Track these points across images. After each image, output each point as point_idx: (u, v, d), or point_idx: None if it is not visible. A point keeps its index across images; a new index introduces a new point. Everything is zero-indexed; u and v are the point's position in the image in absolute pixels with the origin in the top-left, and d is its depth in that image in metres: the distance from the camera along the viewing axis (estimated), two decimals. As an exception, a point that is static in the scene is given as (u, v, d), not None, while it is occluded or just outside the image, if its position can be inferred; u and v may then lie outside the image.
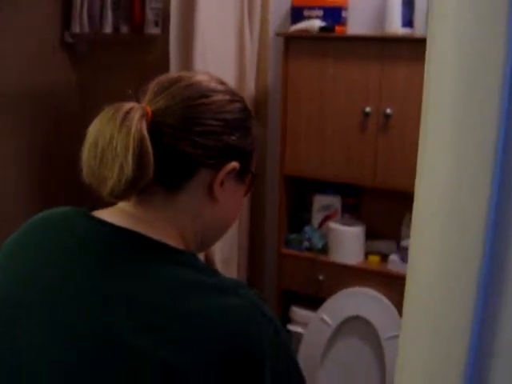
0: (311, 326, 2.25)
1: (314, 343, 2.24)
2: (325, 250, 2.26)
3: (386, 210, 2.30)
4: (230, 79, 2.21)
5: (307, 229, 2.31)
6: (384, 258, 2.19)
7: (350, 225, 2.23)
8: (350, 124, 2.07)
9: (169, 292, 0.79)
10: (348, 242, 2.22)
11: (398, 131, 1.99)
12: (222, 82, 0.95)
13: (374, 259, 2.20)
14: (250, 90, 2.35)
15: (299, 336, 2.30)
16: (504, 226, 0.44)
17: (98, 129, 0.82)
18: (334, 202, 2.31)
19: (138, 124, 0.81)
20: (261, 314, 0.83)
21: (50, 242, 0.89)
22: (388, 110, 1.97)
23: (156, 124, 0.84)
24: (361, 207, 2.36)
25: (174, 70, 2.03)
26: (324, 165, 2.15)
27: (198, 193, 0.90)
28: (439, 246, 0.48)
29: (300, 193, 2.42)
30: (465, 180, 0.46)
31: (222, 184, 0.91)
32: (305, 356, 2.20)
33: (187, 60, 2.04)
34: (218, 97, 0.91)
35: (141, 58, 2.62)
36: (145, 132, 0.81)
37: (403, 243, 2.13)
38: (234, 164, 0.91)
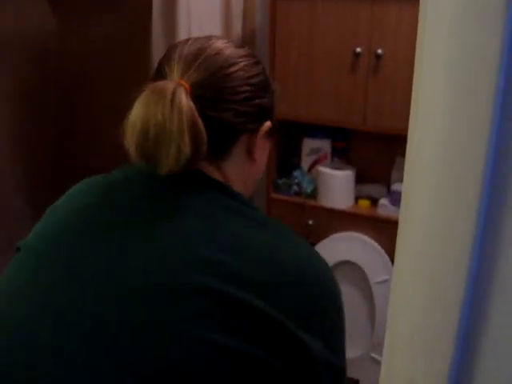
0: (301, 271, 2.27)
1: (304, 288, 2.26)
2: (314, 194, 2.27)
3: (376, 153, 2.30)
4: (216, 21, 2.16)
5: (296, 173, 2.31)
6: (374, 202, 2.20)
7: (339, 169, 2.23)
8: (340, 65, 2.04)
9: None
10: (338, 186, 2.22)
11: (389, 72, 1.96)
12: (241, 45, 0.99)
13: (364, 203, 2.21)
14: (236, 31, 2.31)
15: (289, 281, 2.33)
16: (503, 171, 0.43)
17: (146, 113, 0.84)
18: (324, 145, 2.30)
19: (187, 104, 0.84)
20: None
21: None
22: (379, 51, 1.94)
23: (197, 99, 0.87)
24: (351, 151, 2.35)
25: (156, 14, 1.99)
26: (313, 107, 2.13)
27: (240, 156, 0.97)
28: (434, 192, 0.47)
29: (289, 137, 2.41)
30: (462, 125, 0.45)
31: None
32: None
33: (170, 2, 1.99)
34: (245, 62, 0.95)
35: (122, 1, 2.55)
36: (195, 111, 0.85)
37: (393, 187, 2.14)
38: (268, 124, 0.99)
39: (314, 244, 2.23)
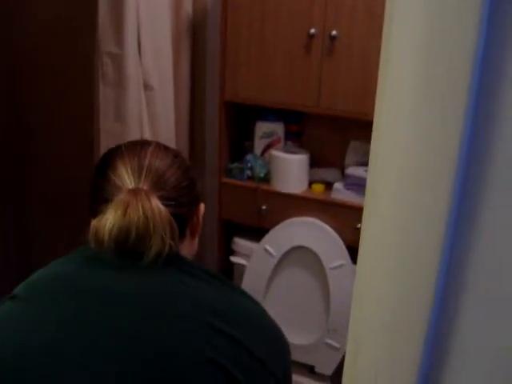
0: (254, 258, 2.28)
1: (258, 274, 2.28)
2: (267, 178, 2.27)
3: (330, 137, 2.31)
4: (165, 1, 2.14)
5: (249, 157, 2.31)
6: (328, 186, 2.21)
7: (293, 152, 2.23)
8: (293, 47, 2.04)
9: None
10: (291, 170, 2.23)
11: (343, 54, 1.96)
12: (167, 148, 1.19)
13: (318, 188, 2.22)
14: (187, 12, 2.29)
15: (242, 268, 2.34)
16: (478, 151, 0.44)
17: (123, 220, 1.03)
18: (277, 128, 2.31)
19: (159, 205, 1.05)
20: None
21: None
22: (334, 32, 1.94)
23: (160, 199, 1.07)
24: (304, 134, 2.36)
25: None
26: (266, 90, 2.13)
27: (188, 237, 1.18)
28: (405, 175, 0.48)
29: (241, 120, 2.41)
30: (433, 110, 0.46)
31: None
32: (248, 288, 2.23)
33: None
34: (177, 162, 1.15)
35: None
36: (166, 210, 1.06)
37: (348, 171, 2.16)
38: (202, 205, 1.23)
39: (267, 230, 2.25)
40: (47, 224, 2.76)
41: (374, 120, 0.52)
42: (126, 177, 1.08)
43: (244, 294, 1.17)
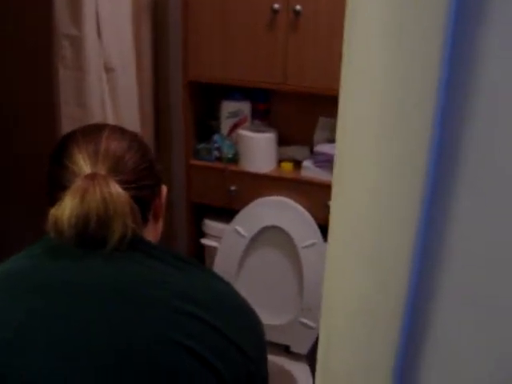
0: (225, 239, 2.27)
1: (229, 256, 2.27)
2: (235, 159, 2.25)
3: (298, 114, 2.29)
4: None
5: (216, 137, 2.28)
6: (297, 164, 2.20)
7: (260, 131, 2.21)
8: (257, 22, 2.00)
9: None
10: (259, 149, 2.20)
11: (309, 29, 1.93)
12: (124, 130, 1.17)
13: (287, 166, 2.21)
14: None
15: (214, 250, 2.33)
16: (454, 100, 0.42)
17: (81, 207, 1.00)
18: (243, 107, 2.27)
19: (118, 189, 1.02)
20: None
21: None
22: (298, 7, 1.91)
23: (119, 183, 1.04)
24: (271, 112, 2.34)
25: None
26: (230, 68, 2.09)
27: (151, 221, 1.16)
28: (370, 154, 0.46)
29: (206, 99, 2.37)
30: (400, 81, 0.44)
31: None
32: (220, 270, 2.22)
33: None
34: (140, 143, 1.16)
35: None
36: (126, 193, 1.03)
37: (317, 148, 2.14)
38: (164, 187, 1.21)
39: (237, 211, 2.23)
40: (18, 218, 2.71)
41: (340, 93, 0.50)
42: (82, 162, 1.05)
43: (215, 276, 1.17)
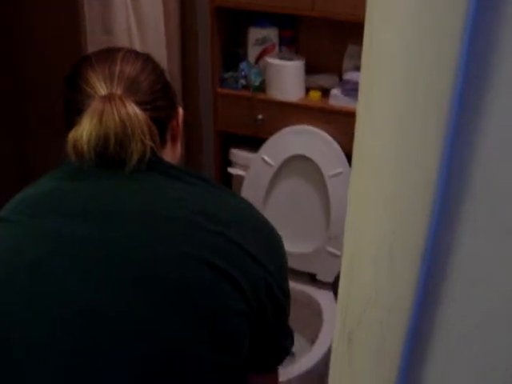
0: (252, 168, 2.28)
1: (256, 185, 2.28)
2: (263, 87, 2.23)
3: (326, 41, 2.24)
4: None
5: (243, 65, 2.25)
6: (325, 92, 2.17)
7: (288, 59, 2.18)
8: None
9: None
10: (287, 77, 2.17)
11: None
12: (138, 53, 1.17)
13: (315, 95, 2.18)
14: None
15: (241, 179, 2.34)
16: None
17: (99, 127, 1.02)
18: (271, 34, 2.24)
19: (134, 108, 1.04)
20: None
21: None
22: None
23: (136, 104, 1.05)
24: (300, 39, 2.30)
25: None
26: (258, -7, 2.06)
27: (169, 143, 1.18)
28: (399, 83, 0.45)
29: (233, 26, 2.34)
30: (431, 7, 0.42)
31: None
32: (247, 199, 2.24)
33: None
34: (154, 64, 1.16)
35: None
36: (143, 112, 1.05)
37: (346, 76, 2.11)
38: (180, 109, 1.22)
39: (264, 139, 2.23)
40: (46, 143, 2.74)
41: (366, 23, 0.49)
42: (97, 85, 1.07)
43: (232, 193, 1.21)
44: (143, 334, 0.94)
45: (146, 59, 1.16)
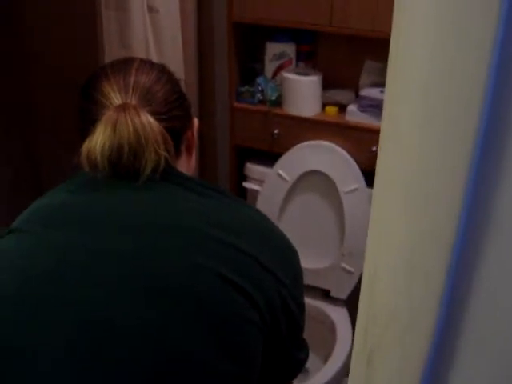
0: (268, 183, 2.27)
1: (271, 199, 2.27)
2: (279, 102, 2.22)
3: (343, 57, 2.25)
4: None
5: (260, 80, 2.25)
6: (342, 108, 2.17)
7: (305, 74, 2.18)
8: (303, -39, 1.96)
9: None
10: (304, 92, 2.18)
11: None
12: (153, 63, 1.18)
13: (332, 110, 2.18)
14: None
15: (255, 193, 2.34)
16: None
17: (113, 137, 1.01)
18: (288, 49, 2.24)
19: (149, 118, 1.03)
20: None
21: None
22: None
23: (150, 114, 1.05)
24: (317, 55, 2.30)
25: None
26: (275, 9, 2.05)
27: (184, 154, 1.17)
28: (423, 104, 0.44)
29: (250, 41, 2.34)
30: (456, 30, 0.42)
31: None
32: (262, 213, 2.23)
33: None
34: (169, 74, 1.16)
35: None
36: (157, 123, 1.04)
37: (362, 92, 2.11)
38: (196, 120, 1.21)
39: (280, 154, 2.23)
40: (57, 150, 2.75)
41: (392, 36, 0.48)
42: (112, 95, 1.07)
43: (246, 204, 1.19)
44: (152, 342, 0.93)
45: (162, 69, 1.16)
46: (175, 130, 1.11)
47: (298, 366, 1.20)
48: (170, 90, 1.12)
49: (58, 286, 0.95)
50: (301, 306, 1.14)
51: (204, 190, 1.10)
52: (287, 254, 1.14)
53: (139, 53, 2.02)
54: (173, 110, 1.10)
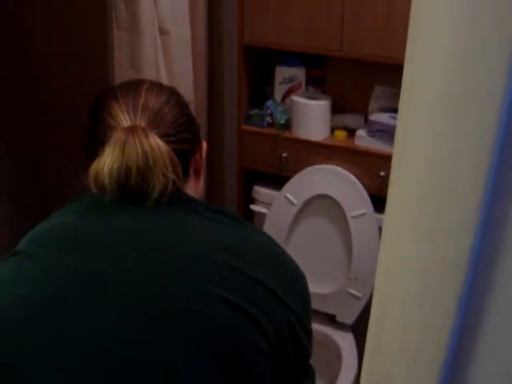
0: (275, 206, 2.26)
1: (279, 223, 2.26)
2: (288, 125, 2.23)
3: (353, 81, 2.25)
4: None
5: (269, 103, 2.26)
6: (351, 133, 2.17)
7: (314, 98, 2.18)
8: (314, -13, 1.97)
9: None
10: (312, 116, 2.18)
11: (367, -5, 1.90)
12: (162, 85, 1.18)
13: (341, 134, 2.18)
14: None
15: (263, 216, 2.33)
16: None
17: (121, 159, 1.01)
18: (298, 73, 2.25)
19: (157, 140, 1.03)
20: None
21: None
22: (356, -29, 1.88)
23: (159, 136, 1.04)
24: (326, 79, 2.30)
25: None
26: (285, 33, 2.06)
27: (192, 177, 1.17)
28: (434, 131, 0.44)
29: (260, 65, 2.35)
30: (468, 57, 0.42)
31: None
32: (269, 237, 2.22)
33: None
34: (179, 97, 1.16)
35: None
36: (166, 145, 1.04)
37: (371, 117, 2.11)
38: (204, 144, 1.21)
39: (288, 178, 2.22)
40: (65, 172, 2.75)
41: (405, 64, 0.47)
42: (121, 116, 1.06)
43: (255, 229, 1.18)
44: (155, 368, 0.92)
45: (171, 92, 1.16)
46: (183, 152, 1.10)
47: None
48: (179, 112, 1.12)
49: (59, 311, 0.94)
50: (308, 332, 1.13)
51: (212, 215, 1.09)
52: (296, 279, 1.13)
53: (149, 74, 2.03)
54: (181, 132, 1.10)
